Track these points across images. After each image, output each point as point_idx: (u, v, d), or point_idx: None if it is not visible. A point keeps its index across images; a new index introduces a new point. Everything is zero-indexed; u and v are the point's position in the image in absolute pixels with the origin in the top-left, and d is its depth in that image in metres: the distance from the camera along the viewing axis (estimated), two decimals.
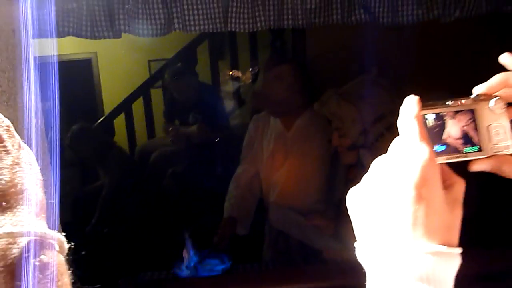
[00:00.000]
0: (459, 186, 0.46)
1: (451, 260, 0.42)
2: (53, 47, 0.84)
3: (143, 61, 4.14)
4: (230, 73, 3.11)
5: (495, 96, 0.50)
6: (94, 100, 4.24)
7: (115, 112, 3.29)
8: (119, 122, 3.24)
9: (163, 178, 2.73)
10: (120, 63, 4.11)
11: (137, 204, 2.64)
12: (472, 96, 0.51)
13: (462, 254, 0.43)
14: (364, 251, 0.45)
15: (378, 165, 0.47)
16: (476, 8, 1.14)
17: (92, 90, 4.26)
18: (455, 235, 0.44)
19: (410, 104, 0.48)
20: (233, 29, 1.10)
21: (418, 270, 0.41)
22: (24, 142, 0.71)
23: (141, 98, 3.24)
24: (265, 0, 1.02)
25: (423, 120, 0.49)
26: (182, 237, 2.31)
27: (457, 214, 0.45)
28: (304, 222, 1.75)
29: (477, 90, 0.51)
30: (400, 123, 0.47)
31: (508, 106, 0.50)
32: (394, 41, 2.18)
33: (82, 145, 2.59)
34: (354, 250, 0.46)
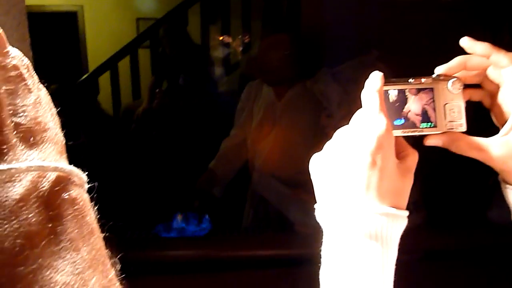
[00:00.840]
0: (412, 157, 0.50)
1: (399, 221, 0.46)
2: None
3: (132, 19, 4.02)
4: (221, 38, 3.06)
5: (454, 77, 0.53)
6: (78, 56, 4.12)
7: (100, 70, 3.21)
8: (104, 80, 3.18)
9: (146, 139, 2.72)
10: (108, 19, 3.98)
11: (119, 164, 2.64)
12: (433, 76, 0.54)
13: (409, 218, 0.47)
14: (322, 212, 0.49)
15: (339, 133, 0.51)
16: None
17: (77, 45, 4.13)
18: (404, 200, 0.48)
19: (374, 79, 0.51)
20: None
21: (368, 228, 0.44)
22: None
23: (128, 57, 3.17)
24: None
25: (384, 95, 0.52)
26: (164, 197, 2.34)
27: (408, 182, 0.48)
28: (285, 191, 1.79)
29: (438, 70, 0.54)
30: (363, 95, 0.51)
31: (465, 88, 0.54)
32: (397, 25, 2.16)
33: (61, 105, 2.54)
34: (314, 211, 0.50)
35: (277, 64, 1.76)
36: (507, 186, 0.52)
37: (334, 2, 2.05)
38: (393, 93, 0.54)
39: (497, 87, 0.53)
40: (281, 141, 1.88)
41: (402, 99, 0.54)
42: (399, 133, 0.53)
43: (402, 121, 0.54)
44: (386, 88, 0.53)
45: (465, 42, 0.53)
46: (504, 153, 0.50)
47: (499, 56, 0.50)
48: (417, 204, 1.43)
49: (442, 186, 1.61)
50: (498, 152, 0.50)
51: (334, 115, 1.60)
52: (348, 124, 0.52)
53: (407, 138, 0.53)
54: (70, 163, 0.27)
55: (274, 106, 1.87)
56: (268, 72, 1.81)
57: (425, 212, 1.44)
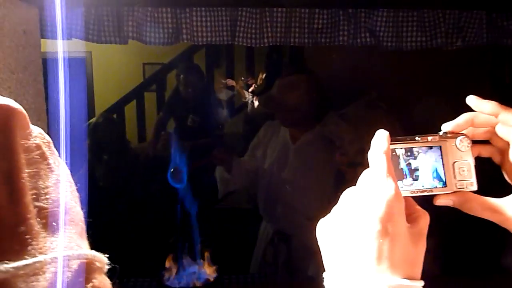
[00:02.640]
0: (424, 220, 0.47)
1: None
2: (59, 46, 0.84)
3: (138, 64, 4.12)
4: (226, 81, 3.12)
5: (461, 134, 0.53)
6: (86, 100, 4.19)
7: (108, 112, 3.25)
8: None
9: (151, 182, 2.71)
10: (115, 64, 4.08)
11: (124, 208, 2.61)
12: (440, 133, 0.53)
13: (425, 286, 0.44)
14: (332, 281, 0.46)
15: (346, 197, 0.49)
16: (477, 39, 1.17)
17: (84, 89, 4.21)
18: (418, 269, 0.45)
19: (380, 139, 0.50)
20: (240, 43, 1.11)
21: None
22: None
23: (134, 101, 3.23)
24: (273, 18, 1.03)
25: (391, 155, 0.50)
26: (168, 244, 2.29)
27: (421, 248, 0.46)
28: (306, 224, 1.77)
29: (445, 127, 0.53)
30: (370, 156, 0.49)
31: (473, 144, 0.53)
32: (394, 66, 2.23)
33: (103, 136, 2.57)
34: (323, 280, 0.47)
35: (295, 103, 1.77)
36: None
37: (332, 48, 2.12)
38: (400, 151, 0.53)
39: (507, 144, 0.52)
40: (295, 182, 1.88)
41: (410, 158, 0.52)
42: (407, 193, 0.51)
43: (411, 180, 0.52)
44: (392, 146, 0.51)
45: (472, 101, 0.52)
46: None
47: (508, 115, 0.50)
48: (434, 253, 1.39)
49: (457, 234, 1.59)
50: None
51: (348, 152, 1.62)
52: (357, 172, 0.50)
53: (415, 197, 0.52)
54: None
55: (288, 149, 1.88)
56: (285, 112, 1.81)
57: (441, 260, 1.40)
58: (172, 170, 2.49)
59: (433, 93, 2.20)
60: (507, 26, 1.18)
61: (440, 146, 0.53)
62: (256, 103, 3.32)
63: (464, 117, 0.52)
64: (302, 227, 1.80)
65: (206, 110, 2.74)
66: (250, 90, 2.78)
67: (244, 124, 2.96)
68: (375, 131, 1.70)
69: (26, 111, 0.74)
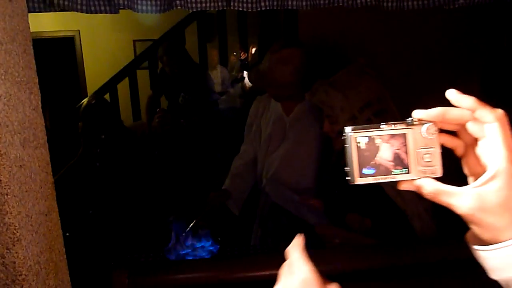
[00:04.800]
0: None
1: None
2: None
3: (128, 41, 4.04)
4: (234, 54, 3.05)
5: (429, 122, 0.53)
6: (76, 80, 4.13)
7: (100, 92, 3.21)
8: None
9: (149, 160, 2.70)
10: (104, 42, 4.00)
11: (124, 185, 2.61)
12: (407, 120, 0.54)
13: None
14: None
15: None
16: None
17: (75, 69, 4.14)
18: None
19: (295, 244, 0.62)
20: (236, 8, 1.07)
21: None
22: (20, 118, 0.68)
23: (126, 79, 3.17)
24: None
25: (355, 142, 0.53)
26: (169, 218, 2.30)
27: None
28: (298, 200, 1.78)
29: (415, 114, 0.54)
30: (287, 252, 0.61)
31: (440, 133, 0.53)
32: (382, 30, 2.19)
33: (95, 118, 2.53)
34: None
35: (287, 78, 1.74)
36: (475, 247, 0.51)
37: (325, 14, 2.07)
38: (363, 140, 0.53)
39: (475, 140, 0.53)
40: (290, 154, 1.87)
41: (374, 145, 0.53)
42: (371, 180, 0.52)
43: (373, 170, 0.53)
44: (357, 135, 0.53)
45: (452, 95, 0.52)
46: (475, 205, 0.49)
47: (484, 112, 0.50)
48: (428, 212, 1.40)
49: None
50: (469, 202, 0.49)
51: (338, 120, 1.60)
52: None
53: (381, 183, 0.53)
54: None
55: (282, 121, 1.86)
56: (277, 87, 1.79)
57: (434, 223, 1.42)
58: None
59: (428, 59, 2.17)
60: None
61: (405, 134, 0.53)
62: (246, 79, 3.27)
63: (436, 111, 0.52)
64: (297, 203, 1.81)
65: (199, 86, 2.71)
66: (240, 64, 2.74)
67: (238, 98, 2.93)
68: (363, 98, 1.68)
69: (17, 84, 0.72)
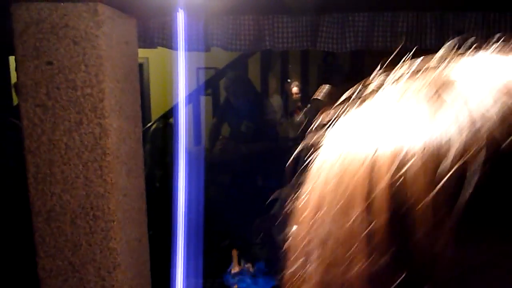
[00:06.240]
0: None
1: None
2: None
3: (192, 69, 4.23)
4: (291, 85, 3.10)
5: None
6: (143, 104, 4.36)
7: (166, 116, 3.36)
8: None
9: (209, 186, 2.76)
10: (170, 69, 4.21)
11: (181, 211, 2.67)
12: None
13: None
14: None
15: None
16: None
17: (142, 93, 4.38)
18: None
19: None
20: (321, 49, 1.10)
21: None
22: (127, 150, 0.73)
23: (190, 105, 3.30)
24: (355, 22, 1.01)
25: None
26: (224, 243, 2.32)
27: None
28: None
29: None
30: None
31: None
32: None
33: None
34: None
35: None
36: None
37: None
38: None
39: None
40: None
41: None
42: None
43: None
44: None
45: None
46: None
47: None
48: None
49: None
50: None
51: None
52: None
53: None
54: None
55: None
56: None
57: None
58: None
59: None
60: None
61: None
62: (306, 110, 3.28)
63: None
64: None
65: (261, 115, 2.76)
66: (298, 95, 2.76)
67: (298, 127, 2.94)
68: None
69: (127, 119, 0.77)
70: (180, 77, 3.47)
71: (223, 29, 1.02)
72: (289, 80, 3.65)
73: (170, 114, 3.30)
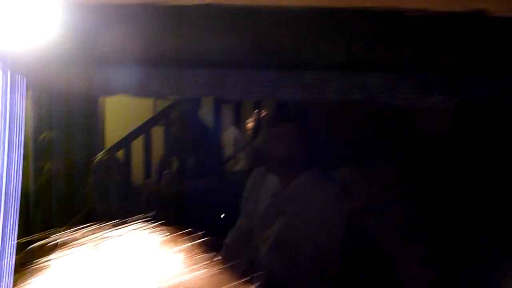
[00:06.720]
0: None
1: None
2: None
3: (149, 99, 4.16)
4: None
5: None
6: (97, 134, 4.23)
7: (115, 148, 3.26)
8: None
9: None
10: (126, 99, 4.12)
11: None
12: None
13: None
14: None
15: None
16: (475, 94, 1.10)
17: (96, 123, 4.26)
18: None
19: None
20: (226, 98, 1.09)
21: None
22: None
23: (142, 137, 3.22)
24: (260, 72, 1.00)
25: None
26: None
27: None
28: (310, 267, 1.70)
29: None
30: None
31: None
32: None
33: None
34: None
35: (284, 153, 1.73)
36: None
37: None
38: None
39: None
40: (288, 229, 1.81)
41: None
42: None
43: None
44: None
45: None
46: None
47: None
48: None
49: None
50: None
51: (358, 198, 1.59)
52: None
53: None
54: None
55: (279, 195, 1.82)
56: (273, 162, 1.78)
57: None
58: None
59: None
60: None
61: None
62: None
63: None
64: (305, 273, 1.71)
65: (209, 150, 2.71)
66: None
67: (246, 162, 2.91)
68: (387, 179, 1.61)
69: None
70: None
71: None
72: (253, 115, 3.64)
73: (119, 146, 3.20)
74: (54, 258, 0.37)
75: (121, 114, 4.13)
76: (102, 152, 2.83)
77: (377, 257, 1.33)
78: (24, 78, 0.93)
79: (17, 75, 0.89)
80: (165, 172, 2.63)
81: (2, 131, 0.86)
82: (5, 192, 0.88)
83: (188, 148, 2.71)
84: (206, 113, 3.14)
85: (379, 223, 1.34)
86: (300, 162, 1.77)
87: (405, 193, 1.38)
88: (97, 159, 2.68)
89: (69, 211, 2.86)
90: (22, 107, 0.93)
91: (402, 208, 1.34)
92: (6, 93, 0.87)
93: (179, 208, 2.55)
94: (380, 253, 1.31)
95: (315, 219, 1.72)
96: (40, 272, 0.36)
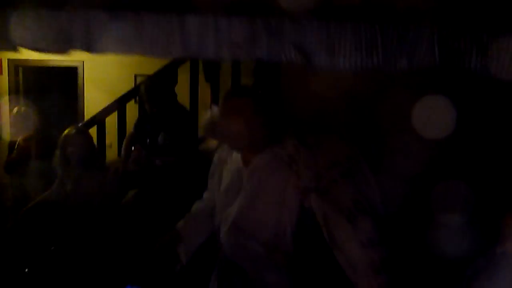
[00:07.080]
0: None
1: None
2: None
3: (130, 75, 4.09)
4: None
5: None
6: (75, 108, 4.18)
7: (90, 123, 3.19)
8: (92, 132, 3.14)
9: (122, 199, 2.61)
10: (106, 74, 4.05)
11: (89, 224, 2.51)
12: None
13: None
14: None
15: None
16: (428, 59, 1.02)
17: (75, 98, 4.20)
18: None
19: None
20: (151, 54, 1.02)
21: None
22: None
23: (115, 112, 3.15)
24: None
25: None
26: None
27: None
28: (261, 253, 1.66)
29: None
30: None
31: None
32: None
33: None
34: None
35: (238, 129, 1.65)
36: None
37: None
38: None
39: None
40: (248, 207, 1.76)
41: None
42: None
43: None
44: None
45: None
46: None
47: None
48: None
49: None
50: None
51: (302, 176, 1.54)
52: None
53: None
54: None
55: (240, 172, 1.76)
56: (228, 138, 1.70)
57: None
58: None
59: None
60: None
61: None
62: None
63: None
64: (257, 257, 1.67)
65: (179, 128, 2.63)
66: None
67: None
68: (332, 156, 1.56)
69: None
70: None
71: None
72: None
73: (92, 122, 3.14)
74: None
75: (101, 89, 4.07)
76: (71, 127, 2.77)
77: (323, 240, 1.28)
78: None
79: None
80: (133, 148, 2.57)
81: None
82: None
83: (158, 125, 2.64)
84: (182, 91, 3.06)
85: (322, 203, 1.28)
86: (260, 139, 1.70)
87: (352, 172, 1.31)
88: (64, 133, 2.63)
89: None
90: None
91: (348, 187, 1.28)
92: None
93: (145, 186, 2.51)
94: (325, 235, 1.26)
95: (268, 200, 1.67)
96: None
